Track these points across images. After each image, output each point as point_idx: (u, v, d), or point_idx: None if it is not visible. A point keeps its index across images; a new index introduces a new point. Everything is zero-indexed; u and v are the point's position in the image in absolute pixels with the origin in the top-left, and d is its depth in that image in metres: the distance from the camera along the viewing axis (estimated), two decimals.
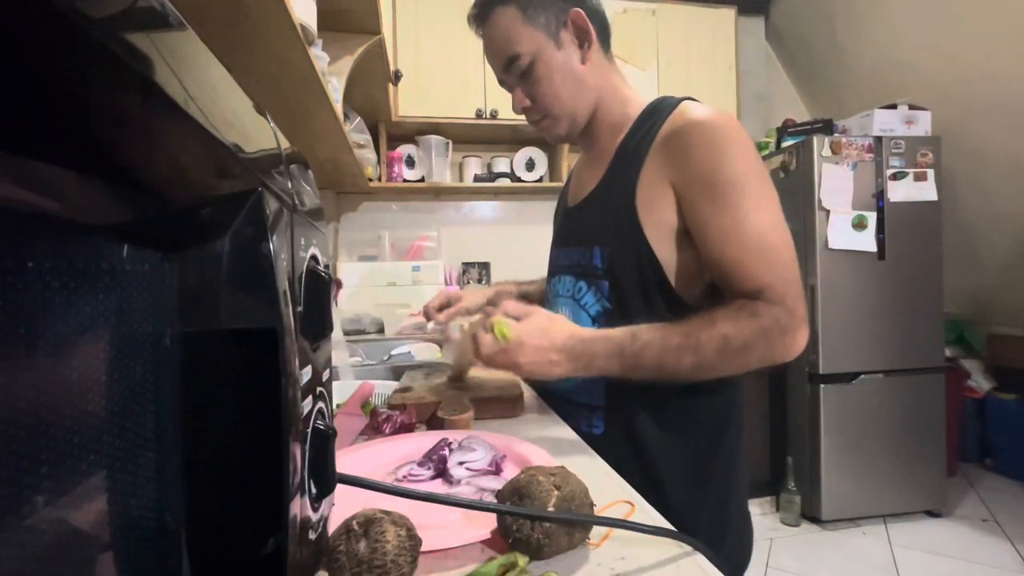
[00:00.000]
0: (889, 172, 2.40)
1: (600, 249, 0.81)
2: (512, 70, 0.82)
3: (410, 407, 0.85)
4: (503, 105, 2.56)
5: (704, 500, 0.79)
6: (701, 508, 0.78)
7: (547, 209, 1.11)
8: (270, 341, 0.26)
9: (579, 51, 0.81)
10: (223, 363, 0.26)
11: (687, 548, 0.46)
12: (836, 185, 2.36)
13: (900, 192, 2.40)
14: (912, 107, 2.52)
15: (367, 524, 0.38)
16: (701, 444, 0.80)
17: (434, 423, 0.83)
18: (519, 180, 2.82)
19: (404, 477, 0.63)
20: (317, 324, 0.33)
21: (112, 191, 0.20)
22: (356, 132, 2.08)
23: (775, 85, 3.42)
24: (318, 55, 1.05)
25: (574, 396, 0.85)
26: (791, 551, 2.22)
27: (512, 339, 0.68)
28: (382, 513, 0.40)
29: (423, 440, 0.71)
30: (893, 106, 2.51)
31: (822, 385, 2.38)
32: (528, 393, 1.02)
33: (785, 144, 2.61)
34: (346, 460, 0.65)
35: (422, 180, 2.70)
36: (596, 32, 0.82)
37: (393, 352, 1.54)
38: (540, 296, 1.16)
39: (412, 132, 2.66)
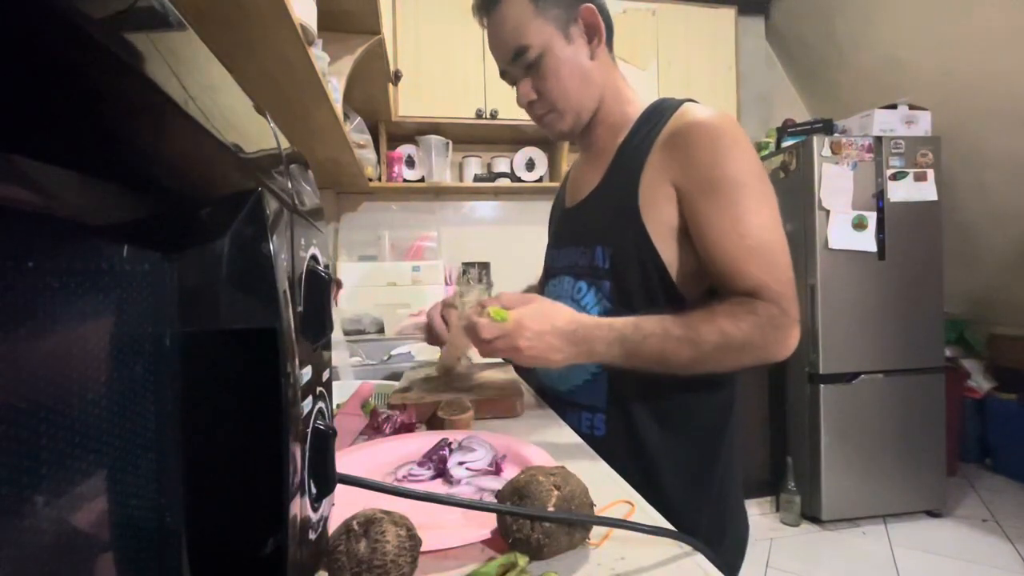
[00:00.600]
0: (889, 172, 2.40)
1: (602, 249, 0.81)
2: (519, 62, 0.80)
3: (410, 407, 0.85)
4: (503, 105, 2.56)
5: (705, 500, 0.79)
6: (702, 508, 0.78)
7: (547, 209, 1.10)
8: (270, 341, 0.26)
9: (588, 47, 0.81)
10: (223, 363, 0.26)
11: (687, 548, 0.46)
12: (836, 185, 2.36)
13: (900, 192, 2.40)
14: (912, 107, 2.53)
15: (367, 524, 0.38)
16: (702, 444, 0.80)
17: (434, 423, 0.83)
18: (519, 180, 2.82)
19: (404, 477, 0.63)
20: (317, 324, 0.33)
21: (112, 191, 0.20)
22: (356, 132, 2.08)
23: (775, 85, 3.42)
24: (318, 55, 1.05)
25: (575, 397, 0.85)
26: (791, 551, 2.22)
27: (510, 320, 0.67)
28: (382, 513, 0.40)
29: (423, 440, 0.71)
30: (893, 106, 2.51)
31: (822, 385, 2.38)
32: (528, 393, 1.02)
33: (785, 144, 2.61)
34: (346, 460, 0.65)
35: (422, 180, 2.70)
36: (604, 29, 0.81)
37: (393, 352, 1.54)
38: None
39: (412, 132, 2.66)
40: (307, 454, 0.31)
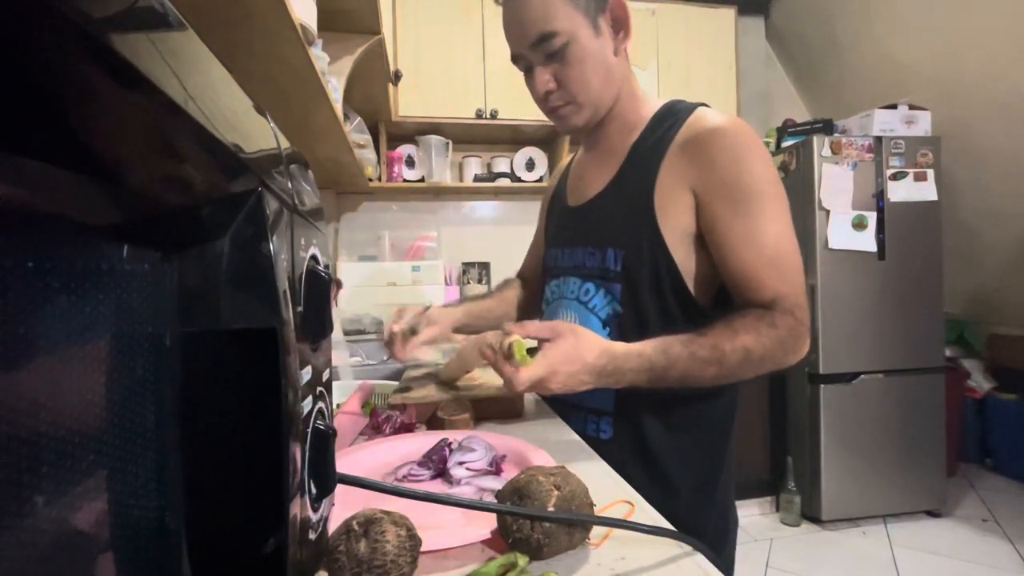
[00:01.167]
0: (889, 172, 2.40)
1: (614, 251, 0.79)
2: (541, 48, 0.75)
3: (410, 407, 0.85)
4: (503, 105, 2.56)
5: (711, 501, 0.79)
6: (709, 509, 0.78)
7: None
8: (270, 341, 0.26)
9: (613, 41, 0.78)
10: (223, 363, 0.26)
11: (687, 548, 0.46)
12: (836, 185, 2.36)
13: (900, 192, 2.40)
14: (912, 107, 2.52)
15: (367, 524, 0.38)
16: (708, 446, 0.80)
17: (434, 423, 0.83)
18: (519, 180, 2.82)
19: (404, 477, 0.63)
20: (317, 324, 0.33)
21: (112, 191, 0.20)
22: (356, 132, 2.08)
23: (775, 85, 3.42)
24: (318, 55, 1.05)
25: (582, 401, 0.84)
26: (791, 551, 2.22)
27: (540, 368, 0.63)
28: (382, 513, 0.40)
29: (423, 440, 0.71)
30: (893, 106, 2.51)
31: (822, 385, 2.38)
32: (528, 394, 1.01)
33: (785, 144, 2.61)
34: (346, 460, 0.65)
35: (422, 180, 2.70)
36: None
37: None
38: (477, 324, 1.04)
39: (412, 132, 2.65)
40: (307, 454, 0.31)
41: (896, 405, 2.43)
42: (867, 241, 2.38)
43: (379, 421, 0.80)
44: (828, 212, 2.35)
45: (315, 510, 0.33)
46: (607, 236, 0.81)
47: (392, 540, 0.38)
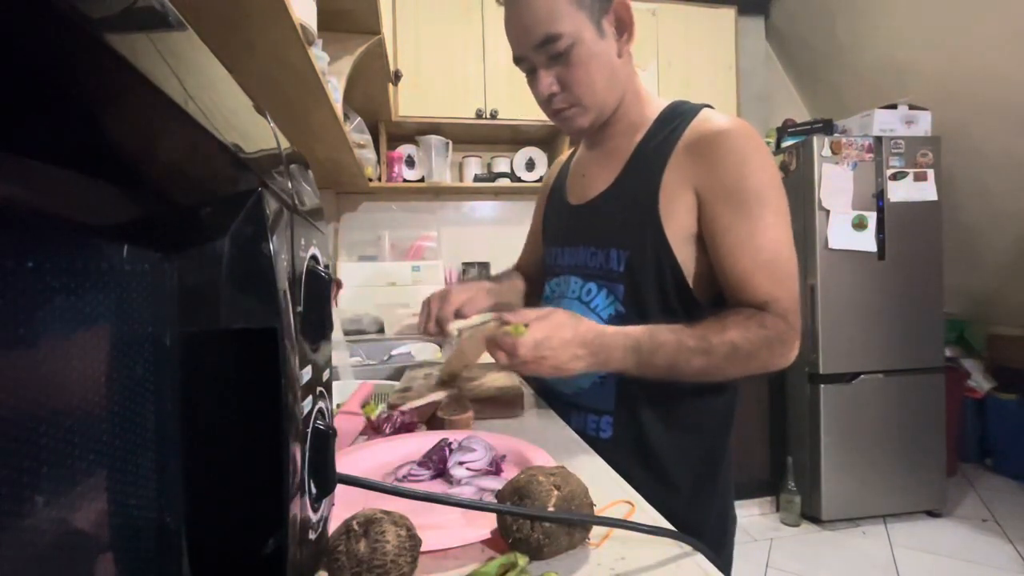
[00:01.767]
0: (889, 172, 2.40)
1: (618, 252, 0.79)
2: (545, 50, 0.75)
3: (410, 407, 0.85)
4: (503, 105, 2.56)
5: (711, 500, 0.79)
6: (709, 508, 0.78)
7: None
8: (270, 341, 0.26)
9: (617, 43, 0.78)
10: (223, 363, 0.26)
11: (687, 548, 0.46)
12: (836, 185, 2.36)
13: (900, 192, 2.40)
14: (912, 107, 2.52)
15: (367, 524, 0.38)
16: (708, 445, 0.80)
17: (434, 423, 0.83)
18: (519, 180, 2.82)
19: (404, 477, 0.63)
20: (317, 324, 0.33)
21: (112, 191, 0.20)
22: (356, 132, 2.08)
23: (775, 85, 3.42)
24: (318, 55, 1.05)
25: (581, 400, 0.84)
26: (791, 551, 2.22)
27: (538, 331, 0.66)
28: (382, 513, 0.40)
29: (423, 440, 0.71)
30: (893, 106, 2.51)
31: (822, 385, 2.38)
32: (528, 393, 1.01)
33: (785, 144, 2.61)
34: (346, 460, 0.65)
35: (422, 180, 2.70)
36: None
37: (393, 352, 1.54)
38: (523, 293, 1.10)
39: (412, 132, 2.65)
40: (307, 454, 0.31)
41: (896, 405, 2.43)
42: (867, 241, 2.38)
43: (379, 421, 0.80)
44: (828, 212, 2.35)
45: (315, 510, 0.33)
46: (610, 236, 0.81)
47: (392, 540, 0.38)
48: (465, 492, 0.59)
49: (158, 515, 0.23)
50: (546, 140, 2.85)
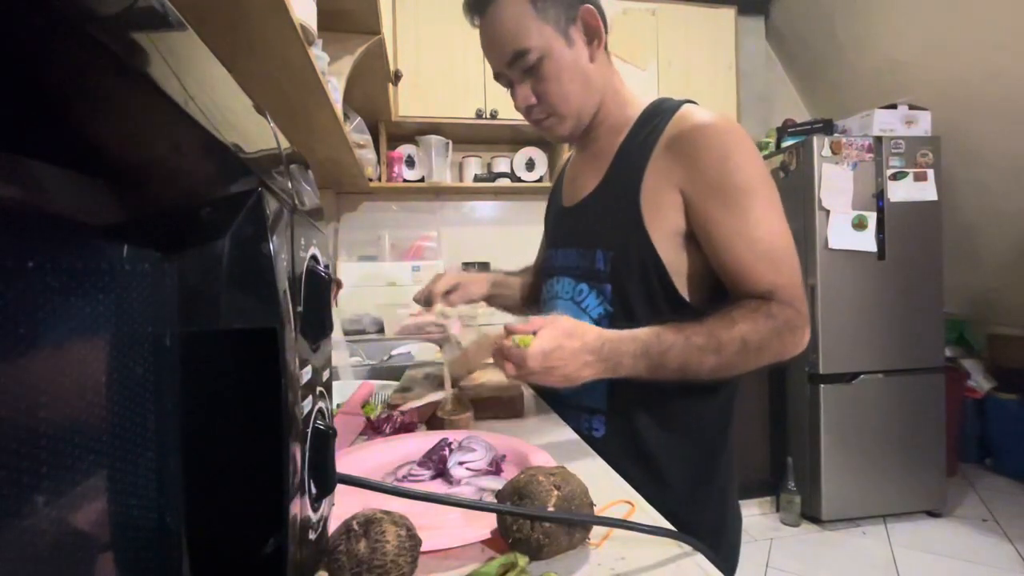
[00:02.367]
0: (889, 172, 2.40)
1: (602, 252, 0.80)
2: (517, 65, 0.78)
3: (410, 407, 0.85)
4: (503, 105, 2.56)
5: (707, 499, 0.79)
6: (704, 507, 0.78)
7: None
8: (270, 341, 0.26)
9: (587, 49, 0.79)
10: (223, 363, 0.26)
11: (687, 548, 0.46)
12: (836, 185, 2.36)
13: (900, 192, 2.40)
14: (912, 107, 2.52)
15: (367, 524, 0.38)
16: (703, 444, 0.80)
17: (434, 423, 0.83)
18: (519, 180, 2.82)
19: (404, 477, 0.63)
20: (317, 324, 0.33)
21: (112, 191, 0.20)
22: (356, 132, 2.08)
23: (775, 85, 3.42)
24: (318, 55, 1.05)
25: (575, 399, 0.84)
26: (791, 551, 2.22)
27: (546, 341, 0.64)
28: (382, 513, 0.40)
29: (423, 440, 0.71)
30: (893, 106, 2.51)
31: (822, 385, 2.38)
32: (528, 394, 1.01)
33: (785, 144, 2.61)
34: (346, 460, 0.65)
35: (422, 180, 2.70)
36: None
37: (393, 352, 1.54)
38: (529, 294, 1.13)
39: (412, 132, 2.66)
40: (307, 454, 0.31)
41: (896, 405, 2.43)
42: (867, 241, 2.38)
43: (379, 421, 0.80)
44: (828, 212, 2.35)
45: (315, 510, 0.33)
46: (596, 237, 0.82)
47: (392, 540, 0.38)
48: (465, 492, 0.59)
49: (158, 515, 0.23)
50: (546, 140, 2.84)
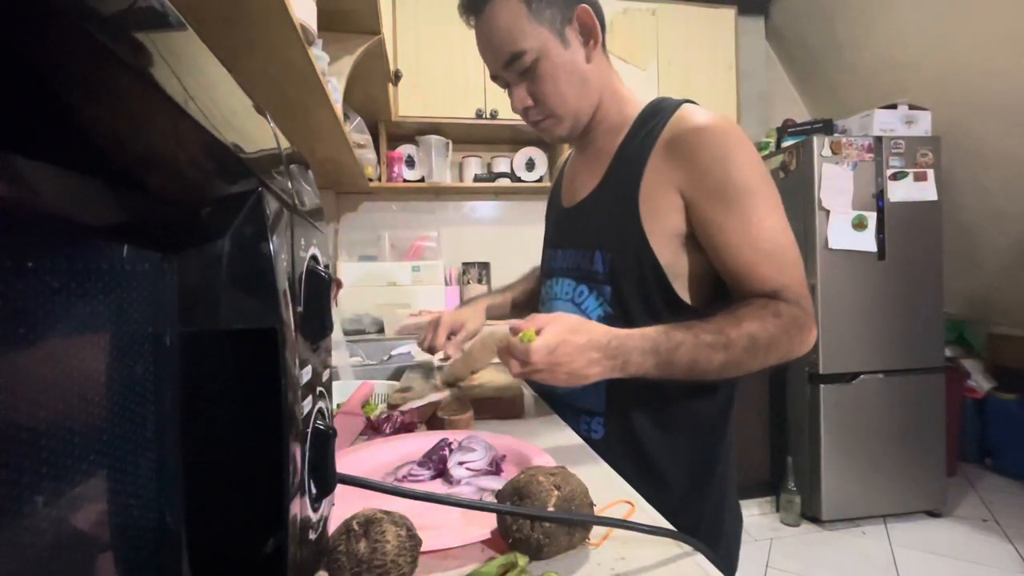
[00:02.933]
0: (889, 172, 2.40)
1: (601, 254, 0.80)
2: (513, 67, 0.77)
3: (410, 407, 0.85)
4: (503, 105, 2.55)
5: (705, 500, 0.79)
6: (703, 508, 0.78)
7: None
8: (270, 341, 0.26)
9: (584, 49, 0.78)
10: (223, 363, 0.26)
11: (687, 548, 0.46)
12: (836, 185, 2.36)
13: (900, 192, 2.40)
14: (912, 107, 2.52)
15: (367, 524, 0.38)
16: (701, 444, 0.80)
17: (434, 423, 0.83)
18: (519, 180, 2.82)
19: (404, 477, 0.63)
20: (317, 324, 0.33)
21: (112, 191, 0.20)
22: (356, 132, 2.08)
23: (775, 85, 3.42)
24: (318, 55, 1.05)
25: (574, 400, 0.84)
26: (791, 551, 2.22)
27: (552, 337, 0.63)
28: (382, 513, 0.40)
29: (423, 440, 0.71)
30: (893, 106, 2.51)
31: (822, 385, 2.38)
32: (528, 394, 1.02)
33: (785, 144, 2.61)
34: (346, 460, 0.65)
35: (422, 180, 2.70)
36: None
37: (393, 352, 1.54)
38: (525, 299, 1.15)
39: (412, 132, 2.66)
40: (307, 454, 0.31)
41: (896, 405, 2.43)
42: (867, 241, 2.38)
43: (379, 421, 0.80)
44: (828, 212, 2.35)
45: (315, 510, 0.33)
46: (595, 238, 0.81)
47: (392, 540, 0.38)
48: (465, 492, 0.59)
49: (158, 515, 0.23)
50: (545, 140, 2.85)
